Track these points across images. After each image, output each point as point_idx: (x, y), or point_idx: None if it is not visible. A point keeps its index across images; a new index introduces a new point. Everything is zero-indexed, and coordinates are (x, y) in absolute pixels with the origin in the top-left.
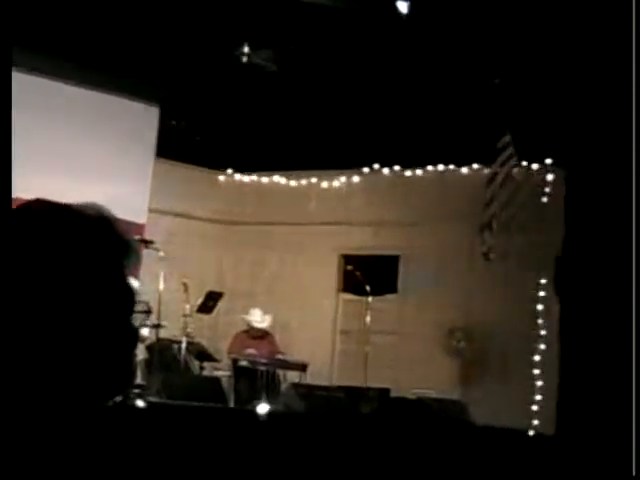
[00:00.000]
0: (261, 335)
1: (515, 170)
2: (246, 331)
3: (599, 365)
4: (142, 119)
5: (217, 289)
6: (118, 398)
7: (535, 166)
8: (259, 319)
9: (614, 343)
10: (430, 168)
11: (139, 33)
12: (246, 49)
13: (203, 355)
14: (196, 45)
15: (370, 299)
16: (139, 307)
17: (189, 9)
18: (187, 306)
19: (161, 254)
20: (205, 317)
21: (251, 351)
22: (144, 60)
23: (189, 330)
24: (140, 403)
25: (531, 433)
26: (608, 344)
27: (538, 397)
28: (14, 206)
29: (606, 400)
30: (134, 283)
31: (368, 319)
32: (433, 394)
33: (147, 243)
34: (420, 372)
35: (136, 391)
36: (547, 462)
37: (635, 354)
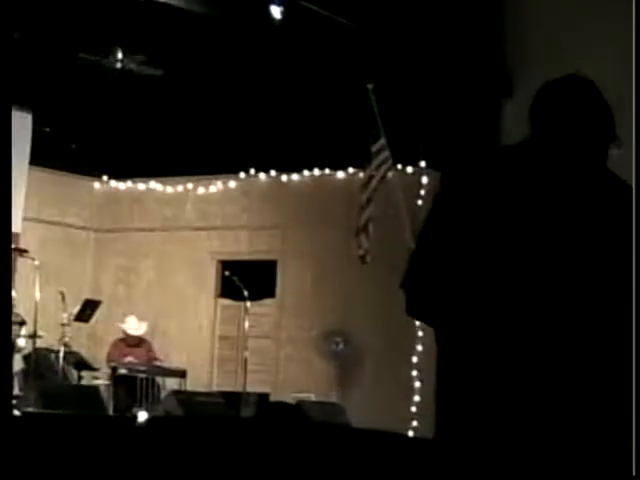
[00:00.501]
0: (137, 342)
1: (390, 173)
2: (123, 339)
3: (476, 365)
4: (15, 126)
5: (94, 297)
6: None
7: (410, 169)
8: (135, 326)
9: (491, 342)
10: (306, 173)
11: (10, 39)
12: (119, 55)
13: (81, 364)
14: (69, 51)
15: (248, 304)
16: (13, 318)
17: (60, 14)
18: (64, 315)
19: (36, 263)
20: (83, 326)
21: (130, 359)
22: (15, 66)
23: (66, 339)
24: (17, 413)
25: (410, 434)
26: (485, 343)
27: (417, 398)
28: None
29: (486, 400)
30: None
31: (247, 324)
32: (312, 397)
33: (22, 252)
34: (299, 376)
35: (13, 401)
36: (426, 465)
37: (635, 354)
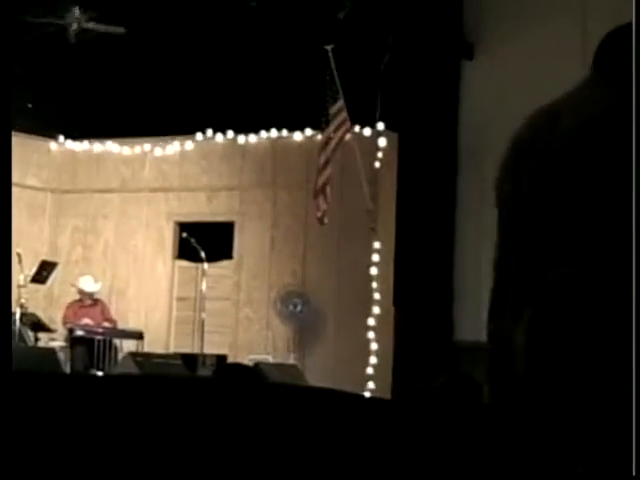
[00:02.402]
0: (92, 303)
1: (348, 135)
2: (78, 300)
3: (435, 328)
4: None
5: (52, 259)
6: None
7: (367, 131)
8: (91, 284)
9: (447, 305)
10: (263, 134)
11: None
12: (76, 13)
13: (38, 325)
14: (23, 9)
15: (206, 266)
16: None
17: None
18: (21, 276)
19: None
20: (40, 287)
21: (86, 321)
22: None
23: (23, 301)
24: None
25: (367, 395)
26: (443, 306)
27: (373, 360)
28: None
29: (440, 363)
30: None
31: (204, 286)
32: (270, 359)
33: None
34: (257, 338)
35: None
36: (383, 425)
37: (636, 351)
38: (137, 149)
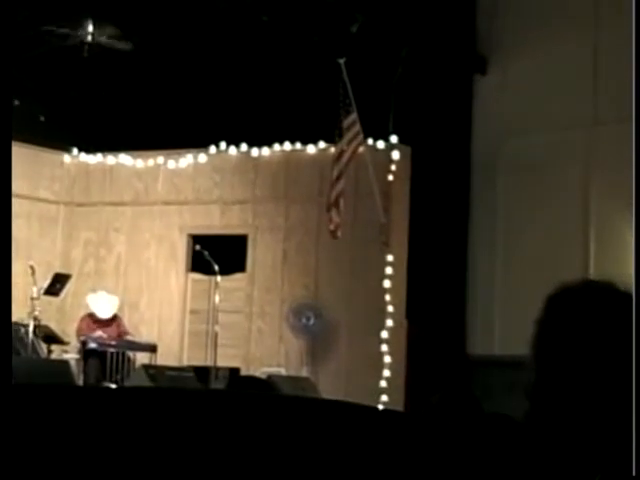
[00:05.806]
0: (109, 318)
1: (361, 148)
2: (92, 314)
3: (447, 341)
4: None
5: (64, 271)
6: None
7: (381, 144)
8: (105, 308)
9: (460, 318)
10: (277, 147)
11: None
12: (90, 27)
13: (51, 338)
14: (38, 22)
15: (219, 278)
16: None
17: None
18: (34, 289)
19: None
20: (53, 300)
21: (100, 333)
22: None
23: (36, 313)
24: None
25: (380, 408)
26: (455, 319)
27: (386, 373)
28: None
29: (455, 375)
30: None
31: (217, 298)
32: (283, 372)
33: None
34: (270, 350)
35: None
36: (397, 438)
37: (636, 352)
38: (150, 162)
